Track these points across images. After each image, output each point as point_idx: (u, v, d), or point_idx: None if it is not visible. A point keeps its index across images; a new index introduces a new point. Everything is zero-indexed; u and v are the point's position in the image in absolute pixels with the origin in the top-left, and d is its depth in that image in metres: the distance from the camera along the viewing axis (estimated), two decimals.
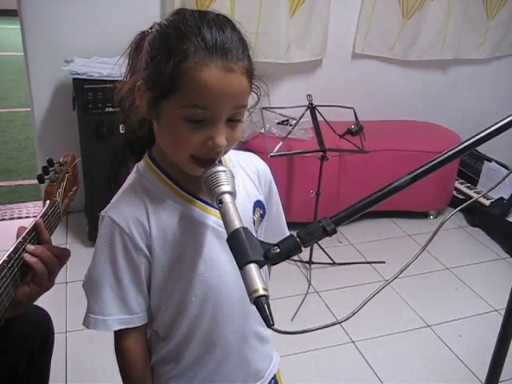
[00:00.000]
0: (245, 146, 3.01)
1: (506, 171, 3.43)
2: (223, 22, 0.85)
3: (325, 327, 0.70)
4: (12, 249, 1.01)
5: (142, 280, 0.97)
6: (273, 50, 3.18)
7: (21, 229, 1.09)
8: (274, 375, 1.17)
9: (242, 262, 0.73)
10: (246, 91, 0.87)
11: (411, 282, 2.73)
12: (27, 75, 2.98)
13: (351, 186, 3.15)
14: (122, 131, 0.99)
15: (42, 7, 2.82)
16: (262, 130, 2.77)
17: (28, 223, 1.11)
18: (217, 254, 0.97)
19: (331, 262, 2.88)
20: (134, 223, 0.93)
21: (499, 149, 2.95)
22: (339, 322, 0.72)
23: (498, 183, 0.95)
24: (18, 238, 1.06)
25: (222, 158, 0.99)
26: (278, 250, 0.75)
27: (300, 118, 2.69)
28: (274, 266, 1.22)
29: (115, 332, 0.99)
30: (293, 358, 2.20)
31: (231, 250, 0.76)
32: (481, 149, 3.67)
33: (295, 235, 0.76)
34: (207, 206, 0.96)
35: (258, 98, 0.96)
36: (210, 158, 0.88)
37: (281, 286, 2.60)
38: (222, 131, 0.86)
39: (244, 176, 1.04)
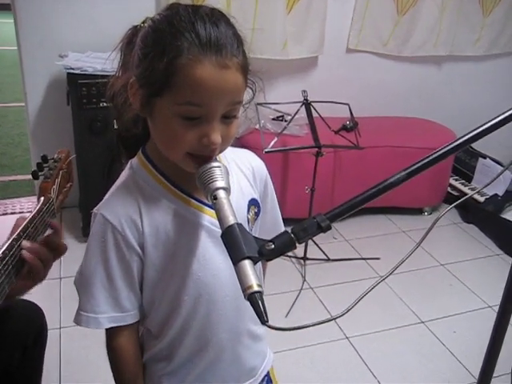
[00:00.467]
0: (239, 142, 3.00)
1: (500, 168, 3.44)
2: (217, 17, 0.84)
3: (319, 324, 0.70)
4: (6, 246, 1.00)
5: (134, 278, 0.96)
6: (269, 47, 3.17)
7: (20, 219, 1.09)
8: (268, 372, 1.17)
9: (236, 257, 0.73)
10: (241, 87, 0.86)
11: (405, 278, 2.74)
12: (21, 70, 2.96)
13: (346, 182, 3.15)
14: (116, 127, 0.98)
15: (35, 1, 2.80)
16: (257, 126, 2.77)
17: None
18: (211, 253, 0.96)
19: (326, 258, 2.88)
20: (127, 221, 0.92)
21: (494, 145, 2.95)
22: (334, 319, 0.71)
23: (493, 180, 0.95)
24: (16, 228, 1.05)
25: None
26: (273, 246, 0.74)
27: (295, 114, 2.68)
28: (268, 263, 1.23)
29: (107, 330, 0.99)
30: (287, 354, 2.20)
31: (225, 246, 0.75)
32: (475, 145, 3.69)
33: (290, 231, 0.76)
34: (202, 206, 0.96)
35: (254, 94, 0.95)
36: (206, 156, 0.86)
37: (275, 281, 2.60)
38: (217, 128, 0.85)
39: (239, 173, 1.03)
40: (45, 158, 1.26)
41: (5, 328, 1.34)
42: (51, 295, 2.41)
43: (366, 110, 3.45)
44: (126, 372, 1.01)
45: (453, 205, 0.92)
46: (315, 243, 2.92)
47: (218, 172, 0.83)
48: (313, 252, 2.86)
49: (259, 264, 1.07)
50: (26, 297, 1.50)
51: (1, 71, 6.46)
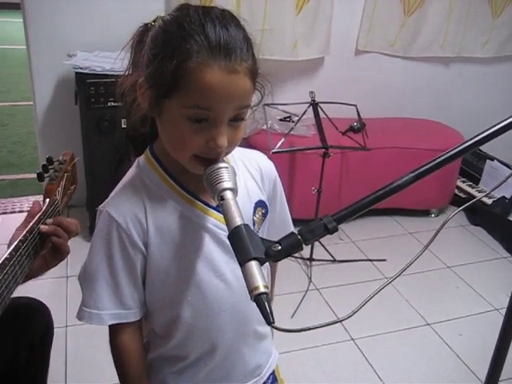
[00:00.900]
0: (247, 142, 3.00)
1: (508, 170, 3.42)
2: (228, 20, 0.83)
3: (325, 326, 0.70)
4: (28, 228, 1.06)
5: (138, 276, 0.96)
6: (279, 48, 3.17)
7: (35, 203, 1.14)
8: (273, 371, 1.17)
9: (242, 258, 0.72)
10: (250, 92, 0.86)
11: (412, 280, 2.73)
12: (29, 69, 2.98)
13: (353, 183, 3.14)
14: (124, 126, 0.98)
15: (44, 1, 2.81)
16: (265, 127, 2.77)
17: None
18: (215, 256, 0.96)
19: (332, 259, 2.88)
20: (132, 220, 0.92)
21: (501, 147, 2.93)
22: (340, 321, 0.71)
23: (501, 182, 0.93)
24: (33, 212, 1.12)
25: None
26: (279, 247, 0.74)
27: (302, 115, 2.68)
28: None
29: (110, 327, 1.00)
30: (293, 355, 2.20)
31: (232, 247, 0.75)
32: (483, 147, 3.66)
33: (296, 233, 0.75)
34: (207, 208, 0.96)
35: (262, 97, 0.94)
36: (212, 158, 0.86)
37: (281, 282, 2.56)
38: (224, 132, 0.84)
39: (246, 174, 1.03)
40: (50, 160, 1.27)
41: (11, 326, 1.34)
42: (58, 294, 2.41)
43: (373, 111, 3.44)
44: (130, 369, 1.01)
45: (461, 207, 0.91)
46: (321, 244, 2.91)
47: (225, 173, 0.83)
48: (319, 253, 2.86)
49: (267, 265, 1.07)
50: (33, 295, 1.51)
51: (9, 70, 6.49)
